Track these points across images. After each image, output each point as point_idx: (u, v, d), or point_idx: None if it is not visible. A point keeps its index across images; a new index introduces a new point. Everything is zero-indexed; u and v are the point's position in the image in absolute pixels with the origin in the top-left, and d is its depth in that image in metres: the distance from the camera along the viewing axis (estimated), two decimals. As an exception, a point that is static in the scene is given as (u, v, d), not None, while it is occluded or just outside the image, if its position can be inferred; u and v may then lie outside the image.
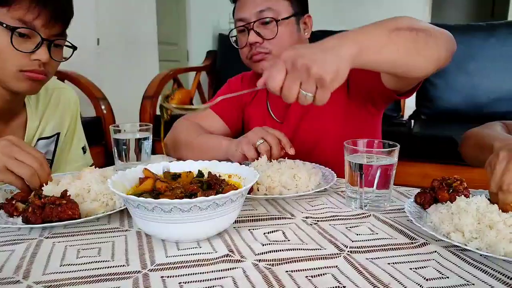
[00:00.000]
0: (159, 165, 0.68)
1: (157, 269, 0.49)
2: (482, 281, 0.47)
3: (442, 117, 2.18)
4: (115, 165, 0.96)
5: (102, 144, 1.88)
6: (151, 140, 0.96)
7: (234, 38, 1.10)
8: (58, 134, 1.06)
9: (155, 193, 0.60)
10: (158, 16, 3.26)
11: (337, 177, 0.83)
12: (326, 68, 0.59)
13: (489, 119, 2.20)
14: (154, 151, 1.22)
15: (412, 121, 2.25)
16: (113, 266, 0.50)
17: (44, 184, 0.67)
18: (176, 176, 0.67)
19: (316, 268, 0.50)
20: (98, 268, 0.49)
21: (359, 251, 0.54)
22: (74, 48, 0.88)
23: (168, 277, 0.47)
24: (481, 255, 0.52)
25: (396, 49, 0.69)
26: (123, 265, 0.50)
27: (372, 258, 0.52)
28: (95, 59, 2.60)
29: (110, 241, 0.57)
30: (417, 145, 1.87)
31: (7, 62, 0.80)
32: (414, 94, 2.38)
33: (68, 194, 0.62)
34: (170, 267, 0.50)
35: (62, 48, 0.88)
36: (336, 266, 0.50)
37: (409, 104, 2.37)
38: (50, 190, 0.65)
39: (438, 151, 1.82)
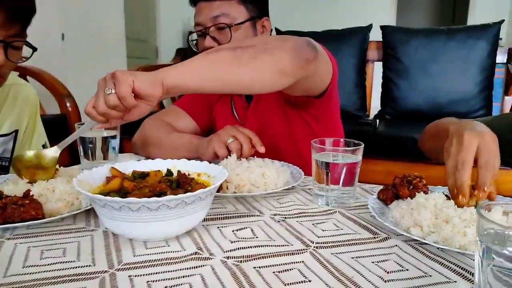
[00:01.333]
0: (127, 164, 0.67)
1: (125, 268, 0.49)
2: (439, 273, 0.49)
3: (405, 116, 2.27)
4: (80, 164, 0.94)
5: (67, 142, 1.82)
6: (119, 139, 0.95)
7: (194, 42, 1.11)
8: (16, 131, 1.02)
9: (123, 192, 0.59)
10: (126, 11, 3.19)
11: (304, 175, 0.84)
12: (123, 70, 0.64)
13: (449, 119, 2.29)
14: (122, 150, 1.19)
15: (377, 120, 2.32)
16: (79, 267, 0.49)
17: None
18: (144, 175, 0.66)
19: (283, 264, 0.51)
20: (63, 269, 0.48)
21: (324, 246, 0.56)
22: (34, 49, 0.85)
23: (135, 276, 0.47)
24: (438, 248, 0.55)
25: (215, 69, 0.70)
26: (89, 265, 0.49)
27: (337, 253, 0.54)
28: (59, 54, 2.52)
29: (75, 241, 0.56)
30: (382, 143, 1.94)
31: None
32: (379, 95, 2.44)
33: (31, 194, 0.61)
34: (137, 266, 0.50)
35: (21, 49, 0.84)
36: (303, 261, 0.52)
37: (375, 104, 2.44)
38: (12, 190, 0.63)
39: (401, 150, 1.89)
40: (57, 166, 0.74)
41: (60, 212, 0.62)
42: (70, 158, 1.06)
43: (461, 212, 0.57)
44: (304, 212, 0.69)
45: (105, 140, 0.92)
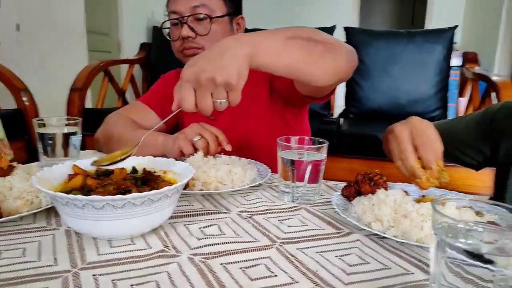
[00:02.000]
0: (90, 161, 0.65)
1: (88, 267, 0.48)
2: (398, 265, 0.52)
3: (368, 116, 2.35)
4: (40, 161, 0.90)
5: (24, 138, 1.74)
6: (80, 135, 0.92)
7: (167, 31, 1.09)
8: None
9: (86, 190, 0.58)
10: (87, 3, 3.08)
11: (273, 172, 0.86)
12: (229, 73, 0.62)
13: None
14: (84, 147, 1.16)
15: (341, 119, 2.39)
16: (40, 267, 0.47)
17: None
18: (108, 173, 0.65)
19: (250, 260, 0.52)
20: (23, 269, 0.47)
21: (290, 242, 0.57)
22: None
23: (100, 275, 0.46)
24: (397, 241, 0.57)
25: (291, 56, 0.71)
26: (51, 265, 0.48)
27: (302, 248, 0.56)
28: (15, 46, 2.39)
29: (36, 240, 0.54)
30: (345, 142, 1.99)
31: None
32: (343, 94, 2.51)
33: (-14, 193, 0.58)
34: (102, 265, 0.49)
35: None
36: (269, 257, 0.53)
37: (339, 103, 2.51)
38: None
39: (363, 148, 1.95)
40: (15, 163, 0.71)
41: (19, 211, 0.59)
42: (28, 155, 1.02)
43: (419, 207, 0.60)
44: (270, 209, 0.70)
45: (66, 136, 0.89)
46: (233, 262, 0.51)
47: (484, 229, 0.40)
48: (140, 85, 2.96)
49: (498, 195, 0.84)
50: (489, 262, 0.38)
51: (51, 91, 2.36)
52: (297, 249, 0.55)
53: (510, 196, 0.79)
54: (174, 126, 1.19)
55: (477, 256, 0.38)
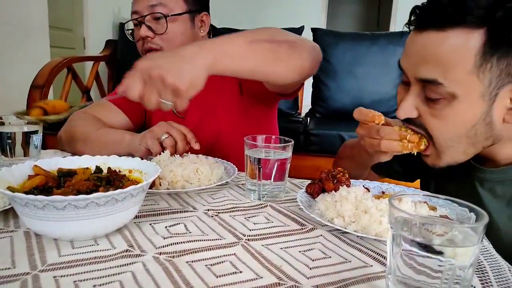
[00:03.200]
0: (52, 161, 0.64)
1: (49, 269, 0.47)
2: (357, 258, 0.54)
3: (334, 115, 2.41)
4: (-3, 160, 0.87)
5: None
6: (41, 134, 0.89)
7: (130, 31, 1.09)
8: None
9: (47, 191, 0.57)
10: (49, -3, 2.96)
11: (237, 170, 0.86)
12: (181, 78, 0.63)
13: (371, 118, 2.45)
14: (45, 146, 1.12)
15: (308, 118, 2.43)
16: (-3, 270, 0.46)
17: None
18: (71, 173, 0.63)
19: (215, 257, 0.52)
20: (-22, 273, 0.45)
21: (255, 238, 0.58)
22: None
23: (61, 276, 0.46)
24: (357, 236, 0.60)
25: (254, 59, 0.74)
26: (9, 268, 0.47)
27: (267, 245, 0.57)
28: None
29: (-8, 243, 0.52)
30: (311, 141, 2.03)
31: None
32: (310, 94, 2.55)
33: None
34: (63, 267, 0.48)
35: None
36: (234, 254, 0.53)
37: (306, 103, 2.55)
38: None
39: (328, 146, 2.00)
40: None
41: (-26, 213, 0.57)
42: None
43: (378, 203, 0.63)
44: (237, 207, 0.71)
45: (26, 135, 0.86)
46: (199, 260, 0.51)
47: (435, 223, 0.43)
48: (105, 83, 2.89)
49: None
50: (439, 253, 0.40)
51: (11, 88, 2.26)
52: (262, 245, 0.56)
53: None
54: (141, 125, 1.18)
55: (428, 248, 0.40)
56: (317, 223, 0.65)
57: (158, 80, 0.62)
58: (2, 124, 0.85)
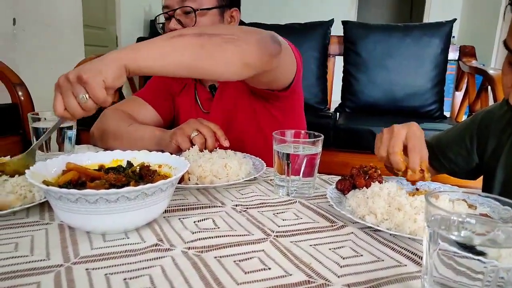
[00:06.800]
0: (85, 156, 0.65)
1: (81, 261, 0.48)
2: (390, 257, 0.52)
3: (364, 109, 2.35)
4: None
5: (19, 133, 1.73)
6: (75, 129, 0.91)
7: (161, 25, 1.10)
8: None
9: (80, 184, 0.58)
10: (83, -3, 3.05)
11: (266, 166, 0.86)
12: (80, 68, 0.64)
13: (404, 112, 2.40)
14: (79, 141, 1.15)
15: (338, 113, 2.38)
16: (32, 261, 0.47)
17: None
18: (106, 168, 0.65)
19: (244, 253, 0.52)
20: (15, 264, 0.47)
21: (284, 235, 0.57)
22: None
23: (93, 269, 0.46)
24: (390, 234, 0.58)
25: (178, 54, 0.71)
26: (44, 259, 0.48)
27: (296, 241, 0.56)
28: (11, 40, 2.38)
29: (28, 235, 0.54)
30: (341, 136, 1.99)
31: None
32: (339, 88, 2.48)
33: (-21, 187, 0.57)
34: (95, 259, 0.49)
35: None
36: (263, 250, 0.53)
37: (335, 98, 2.50)
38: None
39: (358, 142, 1.95)
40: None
41: (12, 205, 0.59)
42: (23, 149, 1.01)
43: (412, 200, 0.61)
44: (265, 203, 0.70)
45: (61, 131, 0.88)
46: (227, 256, 0.51)
47: (476, 221, 0.40)
48: (136, 79, 2.95)
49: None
50: (481, 254, 0.38)
51: (47, 85, 2.34)
52: (291, 242, 0.55)
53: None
54: (170, 120, 1.19)
55: (468, 248, 0.38)
56: (347, 220, 0.63)
57: (64, 83, 0.64)
58: (38, 120, 0.88)
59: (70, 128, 0.90)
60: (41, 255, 0.49)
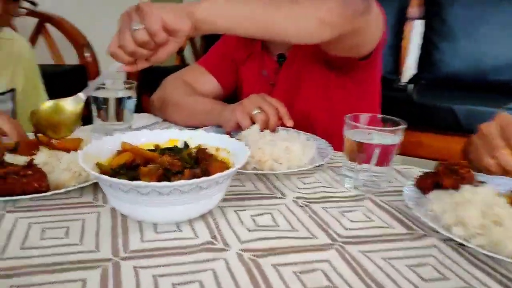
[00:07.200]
0: (140, 134, 0.61)
1: (131, 257, 0.44)
2: (484, 284, 0.43)
3: (443, 82, 2.11)
4: (93, 123, 0.89)
5: (86, 94, 1.79)
6: (135, 99, 0.89)
7: None
8: (13, 90, 0.96)
9: (133, 167, 0.54)
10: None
11: (333, 149, 0.77)
12: (148, 3, 0.57)
13: (492, 87, 2.11)
14: (141, 106, 1.14)
15: (411, 85, 2.17)
16: (81, 252, 0.45)
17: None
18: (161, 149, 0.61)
19: (306, 262, 0.45)
20: (64, 253, 0.44)
21: (352, 241, 0.50)
22: (33, 3, 0.78)
23: (141, 267, 0.43)
24: (484, 254, 0.48)
25: (250, 8, 0.64)
26: (93, 251, 0.45)
27: (366, 251, 0.48)
28: (79, 1, 2.42)
29: (80, 218, 0.52)
30: (415, 112, 1.80)
31: None
32: (414, 56, 2.24)
33: (34, 163, 0.56)
34: (145, 255, 0.45)
35: (19, 1, 0.77)
36: (328, 261, 0.46)
37: (408, 66, 2.28)
38: (13, 157, 0.59)
39: (435, 121, 1.76)
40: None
41: (66, 184, 0.57)
42: (88, 111, 1.02)
43: (515, 212, 0.49)
44: (330, 197, 0.62)
45: (120, 101, 0.86)
46: (287, 264, 0.45)
47: None
48: (198, 42, 2.92)
49: None
50: None
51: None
52: (359, 251, 0.48)
53: None
54: (232, 91, 1.13)
55: None
56: (429, 229, 0.53)
57: (124, 17, 0.59)
58: (98, 88, 0.86)
59: (129, 98, 0.87)
60: (91, 244, 0.46)
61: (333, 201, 0.61)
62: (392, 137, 0.64)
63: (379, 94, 1.05)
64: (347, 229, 0.53)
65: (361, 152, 0.64)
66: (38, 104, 1.04)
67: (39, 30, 1.94)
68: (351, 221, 0.55)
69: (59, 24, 1.86)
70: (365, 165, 0.64)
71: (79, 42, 1.79)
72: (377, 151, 0.63)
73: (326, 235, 0.51)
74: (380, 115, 0.67)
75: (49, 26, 1.91)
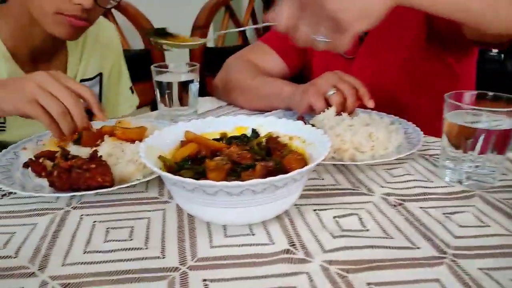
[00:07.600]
0: (204, 122, 0.55)
1: (199, 266, 0.39)
2: None
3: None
4: (158, 109, 0.86)
5: (151, 80, 1.80)
6: (198, 83, 0.83)
7: None
8: (100, 74, 0.96)
9: (199, 160, 0.48)
10: None
11: (424, 135, 0.66)
12: (346, 6, 0.47)
13: None
14: (204, 89, 1.09)
15: (502, 55, 1.89)
16: (146, 258, 0.40)
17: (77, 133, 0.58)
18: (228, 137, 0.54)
19: (409, 282, 0.36)
20: (128, 260, 0.40)
21: (467, 255, 0.40)
22: None
23: (211, 281, 0.37)
24: None
25: None
26: (158, 257, 0.40)
27: (487, 269, 0.38)
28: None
29: (145, 217, 0.47)
30: (509, 86, 1.57)
31: (43, 1, 0.71)
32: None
33: (99, 155, 0.52)
34: (214, 265, 0.39)
35: None
36: (437, 280, 0.36)
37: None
38: (76, 149, 0.56)
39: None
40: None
41: (131, 177, 0.53)
42: (154, 96, 0.99)
43: None
44: (428, 193, 0.52)
45: (183, 85, 0.81)
46: (385, 283, 0.36)
47: None
48: (261, 20, 2.82)
49: None
50: None
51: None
52: (479, 269, 0.38)
53: None
54: (299, 70, 1.03)
55: None
56: None
57: (315, 5, 0.48)
58: (161, 72, 0.82)
59: (192, 81, 0.82)
60: (156, 249, 0.41)
61: (433, 199, 0.51)
62: (507, 120, 0.51)
63: (475, 69, 0.90)
64: (456, 237, 0.43)
65: (467, 138, 0.52)
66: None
67: (105, 15, 1.98)
68: (460, 226, 0.45)
69: (125, 9, 1.87)
70: (472, 154, 0.52)
71: (145, 27, 1.78)
72: (488, 137, 0.51)
73: (431, 245, 0.41)
74: (491, 93, 0.55)
75: (114, 11, 1.94)
